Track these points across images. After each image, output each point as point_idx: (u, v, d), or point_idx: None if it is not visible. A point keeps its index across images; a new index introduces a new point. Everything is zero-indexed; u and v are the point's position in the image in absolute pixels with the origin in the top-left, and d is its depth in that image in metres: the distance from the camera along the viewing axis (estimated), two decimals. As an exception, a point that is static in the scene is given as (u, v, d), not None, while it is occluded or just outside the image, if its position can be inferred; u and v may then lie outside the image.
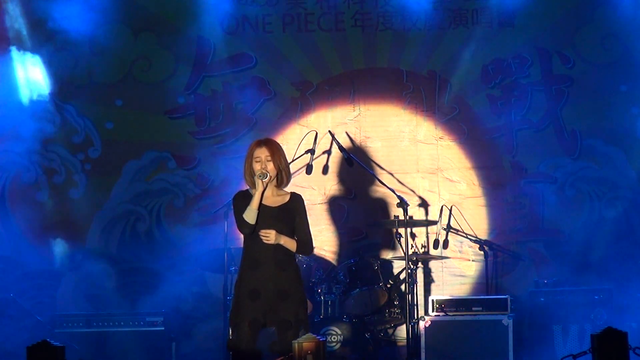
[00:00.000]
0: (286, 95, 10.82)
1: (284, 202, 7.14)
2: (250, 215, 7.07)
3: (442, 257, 10.32)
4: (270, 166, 7.10)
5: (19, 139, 10.76)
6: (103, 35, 10.69)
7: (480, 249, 10.37)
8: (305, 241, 7.15)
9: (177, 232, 10.80)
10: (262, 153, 7.11)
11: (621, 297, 10.20)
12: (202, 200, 10.77)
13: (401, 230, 9.59)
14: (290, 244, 7.10)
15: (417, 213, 10.60)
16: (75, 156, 10.82)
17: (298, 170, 9.73)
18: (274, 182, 7.15)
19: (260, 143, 7.17)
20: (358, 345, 9.58)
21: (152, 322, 9.79)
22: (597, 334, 7.01)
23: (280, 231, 7.07)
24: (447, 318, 9.22)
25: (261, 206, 7.08)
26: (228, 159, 10.72)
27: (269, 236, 7.05)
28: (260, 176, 7.06)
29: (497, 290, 10.30)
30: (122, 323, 9.80)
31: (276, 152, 7.12)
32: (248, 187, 7.25)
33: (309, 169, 9.78)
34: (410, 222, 9.76)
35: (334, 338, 9.53)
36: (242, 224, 7.10)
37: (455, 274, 10.66)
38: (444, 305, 9.32)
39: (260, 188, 7.06)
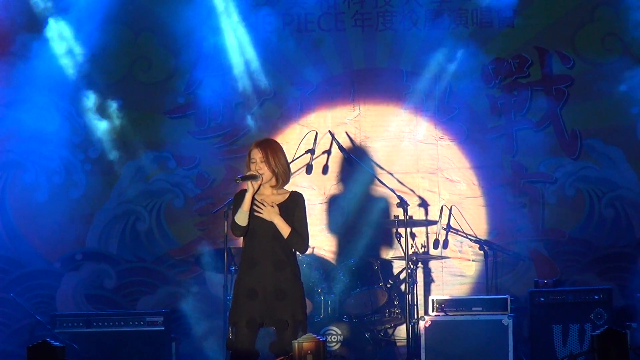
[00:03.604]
0: (286, 95, 10.82)
1: (283, 201, 7.13)
2: (240, 217, 7.04)
3: (442, 257, 10.32)
4: (264, 168, 7.08)
5: (19, 139, 10.77)
6: (103, 35, 10.69)
7: (480, 249, 10.37)
8: (300, 233, 7.07)
9: (177, 232, 10.80)
10: (257, 155, 7.09)
11: (621, 297, 10.21)
12: (202, 200, 10.77)
13: (401, 230, 9.60)
14: (284, 226, 7.01)
15: (417, 213, 10.60)
16: (75, 156, 10.83)
17: (298, 170, 9.73)
18: (272, 182, 7.13)
19: (257, 144, 7.15)
20: (358, 345, 9.58)
21: (152, 322, 9.79)
22: (597, 334, 7.02)
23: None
24: (447, 318, 9.22)
25: (258, 205, 7.06)
26: (228, 159, 10.73)
27: (263, 210, 7.03)
28: (240, 179, 7.04)
29: (497, 290, 10.30)
30: (122, 323, 9.80)
31: (271, 154, 7.07)
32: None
33: (309, 168, 9.79)
34: (410, 222, 9.76)
35: (334, 338, 9.53)
36: (233, 226, 7.09)
37: (455, 274, 10.66)
38: (444, 305, 9.31)
39: (250, 190, 7.04)
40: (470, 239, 10.39)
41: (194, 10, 10.67)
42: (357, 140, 10.80)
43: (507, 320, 9.05)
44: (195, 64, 10.80)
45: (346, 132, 10.78)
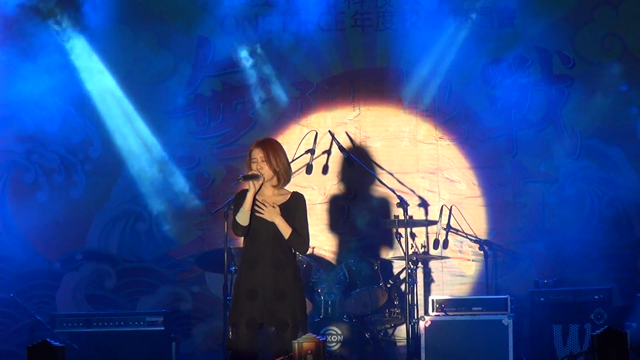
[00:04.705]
0: (286, 95, 10.82)
1: (284, 201, 7.13)
2: (242, 216, 7.04)
3: (442, 257, 10.32)
4: (266, 167, 7.08)
5: (19, 139, 10.77)
6: (103, 35, 10.69)
7: (480, 249, 10.38)
8: (301, 234, 7.09)
9: (177, 232, 10.80)
10: (258, 154, 7.10)
11: (621, 297, 10.21)
12: (202, 200, 10.77)
13: (401, 230, 9.60)
14: (285, 227, 7.02)
15: (417, 213, 10.60)
16: (75, 156, 10.83)
17: (298, 170, 9.73)
18: (273, 182, 7.14)
19: (258, 144, 7.16)
20: (358, 345, 9.58)
21: (152, 322, 9.79)
22: (597, 334, 7.02)
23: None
24: (447, 318, 9.22)
25: (259, 205, 7.07)
26: (228, 159, 10.73)
27: (264, 210, 7.03)
28: (243, 178, 7.04)
29: (497, 290, 10.30)
30: (122, 323, 9.80)
31: (272, 154, 7.08)
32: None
33: (309, 168, 9.78)
34: (410, 222, 9.76)
35: (334, 338, 9.53)
36: (234, 225, 7.09)
37: (455, 274, 10.66)
38: (444, 305, 9.31)
39: (251, 189, 7.05)
40: (470, 239, 10.40)
41: (194, 10, 10.69)
42: (357, 140, 10.80)
43: (507, 320, 9.05)
44: (195, 63, 10.80)
45: (346, 132, 10.78)
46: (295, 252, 7.18)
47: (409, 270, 9.38)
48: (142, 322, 9.81)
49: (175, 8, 10.74)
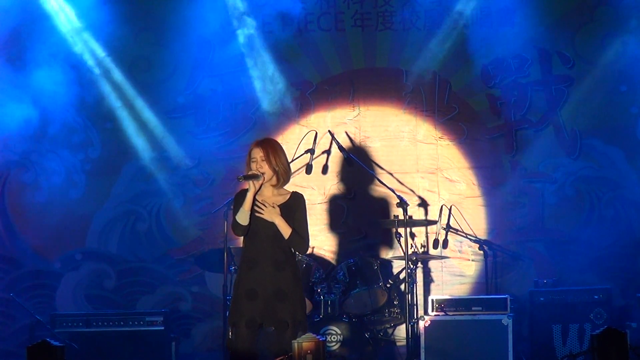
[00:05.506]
0: (286, 95, 10.82)
1: (284, 201, 7.14)
2: (242, 216, 7.05)
3: (441, 257, 10.32)
4: (265, 167, 7.08)
5: (19, 139, 10.77)
6: (103, 35, 10.69)
7: (480, 248, 10.38)
8: (301, 234, 7.10)
9: (177, 232, 10.80)
10: (258, 154, 7.11)
11: (621, 297, 10.21)
12: (202, 200, 10.77)
13: (401, 230, 9.59)
14: (284, 227, 7.04)
15: (416, 213, 10.60)
16: (75, 156, 10.83)
17: (298, 170, 9.73)
18: (273, 181, 7.14)
19: (258, 143, 7.17)
20: (358, 345, 9.58)
21: (152, 322, 9.80)
22: (597, 334, 7.02)
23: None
24: (447, 318, 9.22)
25: (259, 205, 7.07)
26: (228, 159, 10.73)
27: (264, 210, 7.03)
28: (243, 177, 7.05)
29: (496, 290, 10.30)
30: (122, 323, 9.81)
31: (272, 153, 7.09)
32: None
33: (308, 168, 9.78)
34: (410, 222, 9.74)
35: (334, 338, 9.53)
36: (234, 225, 7.10)
37: (455, 273, 10.66)
38: (444, 305, 9.31)
39: (251, 189, 7.05)
40: (470, 239, 10.39)
41: (194, 10, 10.69)
42: (357, 140, 10.80)
43: (506, 320, 9.05)
44: (195, 63, 10.80)
45: (346, 132, 10.78)
46: (294, 252, 7.18)
47: (409, 270, 9.38)
48: (141, 322, 9.82)
49: (175, 8, 10.73)
